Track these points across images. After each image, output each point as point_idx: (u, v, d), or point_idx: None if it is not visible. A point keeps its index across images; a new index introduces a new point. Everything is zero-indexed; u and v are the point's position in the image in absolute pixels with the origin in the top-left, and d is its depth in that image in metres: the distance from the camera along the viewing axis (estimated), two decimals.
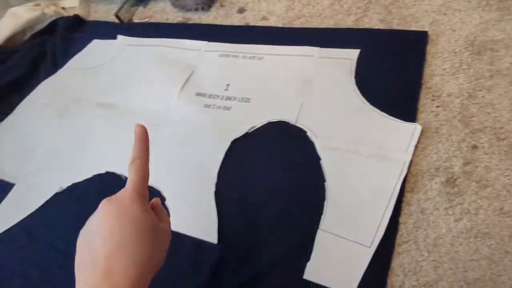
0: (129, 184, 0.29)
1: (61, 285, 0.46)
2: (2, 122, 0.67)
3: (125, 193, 0.28)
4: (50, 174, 0.57)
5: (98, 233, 0.26)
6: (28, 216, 0.54)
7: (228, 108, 0.53)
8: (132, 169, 0.29)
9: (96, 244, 0.26)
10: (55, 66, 0.72)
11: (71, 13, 0.83)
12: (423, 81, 0.46)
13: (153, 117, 0.56)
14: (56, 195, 0.54)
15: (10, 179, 0.59)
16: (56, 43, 0.75)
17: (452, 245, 0.36)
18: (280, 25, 0.61)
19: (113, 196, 0.29)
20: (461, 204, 0.38)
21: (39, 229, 0.52)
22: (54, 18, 0.81)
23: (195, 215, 0.45)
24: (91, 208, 0.53)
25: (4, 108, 0.67)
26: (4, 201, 0.57)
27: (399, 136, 0.43)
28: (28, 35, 0.80)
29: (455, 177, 0.39)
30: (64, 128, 0.62)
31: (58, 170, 0.57)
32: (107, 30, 0.75)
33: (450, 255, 0.36)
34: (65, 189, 0.54)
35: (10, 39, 0.79)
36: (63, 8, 0.85)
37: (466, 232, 0.36)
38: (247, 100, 0.53)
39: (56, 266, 0.48)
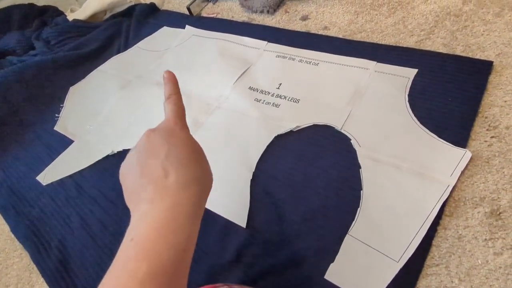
0: (170, 114, 0.29)
1: (97, 236, 0.50)
2: (74, 85, 0.75)
3: (169, 122, 0.28)
4: (105, 137, 0.62)
5: (152, 156, 0.26)
6: (80, 171, 0.59)
7: (277, 106, 0.55)
8: (170, 102, 0.29)
9: (152, 165, 0.25)
10: (127, 44, 0.79)
11: (148, 1, 0.91)
12: (480, 110, 0.45)
13: (206, 102, 0.60)
14: (108, 157, 0.59)
15: (70, 136, 0.66)
16: (131, 25, 0.83)
17: (487, 278, 0.35)
18: (340, 36, 0.63)
19: (156, 127, 0.28)
20: (504, 238, 0.36)
21: (87, 184, 0.57)
22: (133, 3, 0.90)
23: (229, 198, 0.48)
24: None
25: (79, 74, 0.75)
26: (62, 154, 0.63)
27: (445, 159, 0.42)
28: (108, 14, 0.89)
29: (501, 210, 0.38)
30: (125, 99, 0.68)
31: (113, 135, 0.62)
32: (177, 20, 0.81)
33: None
34: (116, 153, 0.59)
35: (93, 16, 0.88)
36: None
37: (505, 268, 0.35)
38: (297, 100, 0.55)
39: (95, 219, 0.52)
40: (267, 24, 0.72)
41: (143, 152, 0.27)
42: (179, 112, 0.29)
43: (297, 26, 0.69)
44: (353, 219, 0.41)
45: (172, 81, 0.31)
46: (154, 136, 0.27)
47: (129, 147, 0.59)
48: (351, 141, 0.47)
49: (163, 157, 0.25)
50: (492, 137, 0.43)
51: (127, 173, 0.28)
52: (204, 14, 0.82)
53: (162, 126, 0.28)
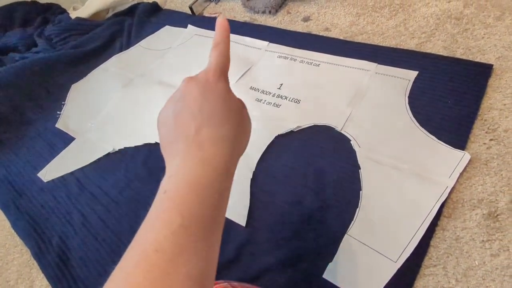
0: (212, 64, 0.28)
1: (97, 233, 0.50)
2: (76, 83, 0.75)
3: (209, 72, 0.27)
4: (107, 135, 0.63)
5: (186, 108, 0.26)
6: (81, 168, 0.60)
7: (278, 106, 0.56)
8: (216, 51, 0.28)
9: (184, 118, 0.26)
10: (129, 43, 0.80)
11: (150, 0, 0.91)
12: (479, 112, 0.46)
13: None
14: (108, 154, 0.60)
15: (71, 134, 0.66)
16: (133, 23, 0.83)
17: (483, 279, 0.35)
18: (341, 37, 0.63)
19: (195, 75, 0.28)
20: (501, 240, 0.37)
21: (88, 181, 0.58)
22: (135, 2, 0.90)
23: (229, 197, 0.48)
24: (136, 172, 0.57)
25: (81, 71, 0.76)
26: (63, 152, 0.64)
27: (444, 161, 0.42)
28: (110, 13, 0.90)
29: (498, 212, 0.38)
30: (126, 97, 0.68)
31: (114, 133, 0.62)
32: (179, 19, 0.81)
33: None
34: (117, 151, 0.60)
35: (95, 14, 0.89)
36: None
37: (502, 269, 0.35)
38: (297, 101, 0.55)
39: (96, 216, 0.52)
40: (269, 25, 0.72)
41: (179, 103, 0.27)
42: (222, 63, 0.28)
43: (299, 27, 0.69)
44: (352, 219, 0.41)
45: (224, 27, 0.30)
46: (191, 87, 0.27)
47: (130, 145, 0.59)
48: (351, 141, 0.48)
49: (196, 111, 0.26)
50: (491, 139, 0.43)
51: (163, 122, 0.28)
52: (206, 14, 0.82)
53: (201, 76, 0.28)
